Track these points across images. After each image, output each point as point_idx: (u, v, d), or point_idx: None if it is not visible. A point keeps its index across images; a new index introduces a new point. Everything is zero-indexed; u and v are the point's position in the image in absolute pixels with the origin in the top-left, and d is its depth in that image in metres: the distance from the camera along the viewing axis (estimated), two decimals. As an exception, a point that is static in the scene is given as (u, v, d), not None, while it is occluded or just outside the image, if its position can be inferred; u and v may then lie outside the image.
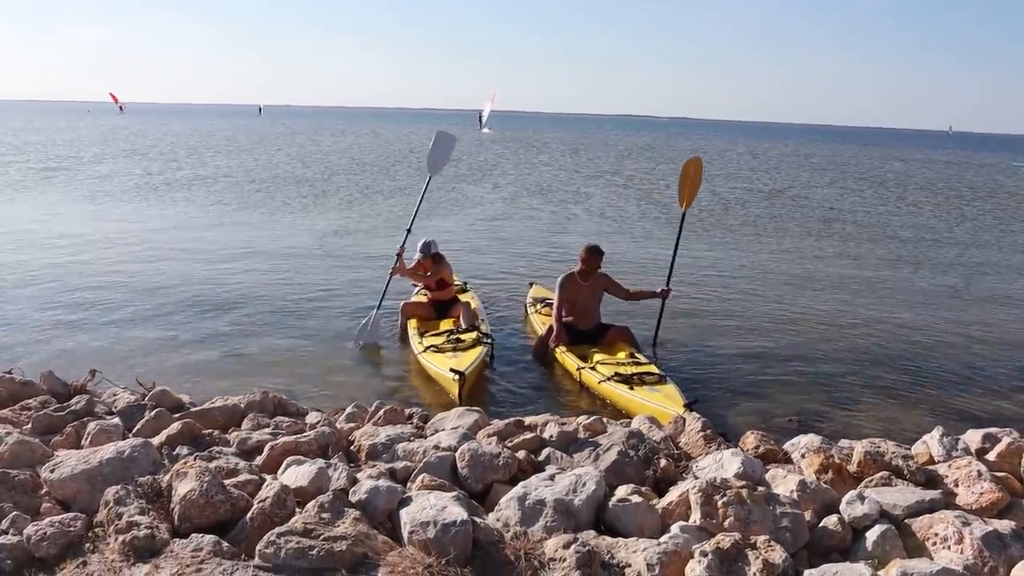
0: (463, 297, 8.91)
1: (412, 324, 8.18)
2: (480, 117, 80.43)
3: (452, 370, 6.47)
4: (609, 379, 6.64)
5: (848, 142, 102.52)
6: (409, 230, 8.75)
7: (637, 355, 7.24)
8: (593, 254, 7.65)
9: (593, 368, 6.94)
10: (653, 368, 6.83)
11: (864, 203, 24.29)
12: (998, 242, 17.26)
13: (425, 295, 8.84)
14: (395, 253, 8.54)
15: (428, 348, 7.27)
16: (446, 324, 8.11)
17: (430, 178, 9.37)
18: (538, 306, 8.98)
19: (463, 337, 7.44)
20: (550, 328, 7.67)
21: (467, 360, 6.83)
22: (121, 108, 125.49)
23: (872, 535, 3.44)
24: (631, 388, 6.44)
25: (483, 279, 11.28)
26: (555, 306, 7.69)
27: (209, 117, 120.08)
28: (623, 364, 6.93)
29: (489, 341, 7.41)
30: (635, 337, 7.67)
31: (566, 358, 7.35)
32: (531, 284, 9.99)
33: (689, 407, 5.87)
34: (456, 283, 9.10)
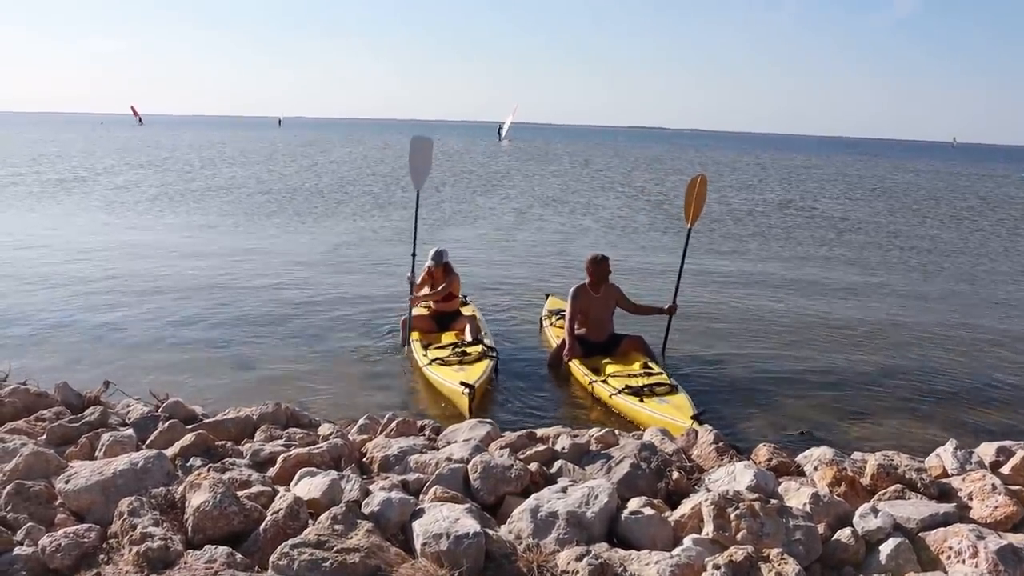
0: (464, 310, 8.85)
1: (414, 337, 8.13)
2: (499, 129, 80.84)
3: (462, 383, 6.46)
4: (620, 392, 6.64)
5: (857, 154, 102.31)
6: (414, 254, 8.52)
7: (650, 364, 7.24)
8: (599, 264, 7.66)
9: (605, 381, 6.94)
10: (664, 378, 6.83)
11: (875, 215, 24.21)
12: (1010, 254, 17.17)
13: (427, 307, 8.74)
14: (407, 279, 8.45)
15: (434, 361, 7.26)
16: (448, 337, 8.07)
17: (418, 193, 8.95)
18: (553, 318, 8.98)
19: (468, 350, 7.43)
20: (563, 341, 7.68)
21: (475, 373, 6.84)
22: (140, 120, 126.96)
23: (886, 549, 3.43)
24: (641, 401, 6.45)
25: (494, 290, 11.31)
26: (567, 318, 7.68)
27: (228, 128, 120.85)
28: (634, 376, 6.93)
29: (494, 355, 7.41)
30: (648, 345, 7.67)
31: (579, 372, 7.35)
32: (547, 296, 9.98)
33: (697, 419, 5.89)
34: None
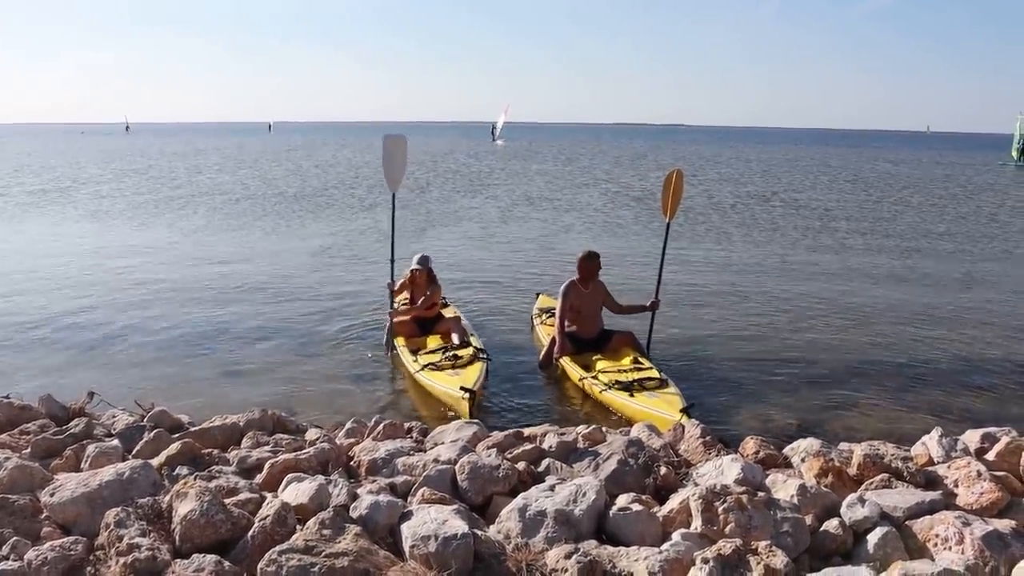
0: (446, 312, 8.67)
1: (400, 343, 7.98)
2: (493, 129, 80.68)
3: (462, 388, 6.39)
4: (610, 387, 6.68)
5: (838, 145, 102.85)
6: (392, 259, 8.38)
7: (641, 359, 7.29)
8: (590, 260, 7.70)
9: (595, 377, 6.97)
10: (654, 372, 6.89)
11: (859, 205, 24.34)
12: (993, 240, 17.29)
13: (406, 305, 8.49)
14: (387, 286, 8.34)
15: (426, 366, 7.17)
16: (434, 340, 7.96)
17: (394, 196, 8.50)
18: (543, 317, 9.00)
19: (460, 353, 7.35)
20: (553, 339, 7.71)
21: (471, 377, 6.79)
22: (127, 128, 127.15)
23: (873, 538, 3.45)
24: (631, 395, 6.50)
25: (482, 290, 11.31)
26: (558, 315, 7.70)
27: (217, 135, 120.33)
28: (624, 371, 6.99)
29: (485, 357, 7.33)
30: (639, 340, 7.71)
31: (569, 368, 7.38)
32: (537, 295, 9.99)
33: (686, 412, 5.94)
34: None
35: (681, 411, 5.97)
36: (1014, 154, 51.38)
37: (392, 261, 8.38)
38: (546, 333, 8.37)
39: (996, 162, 55.29)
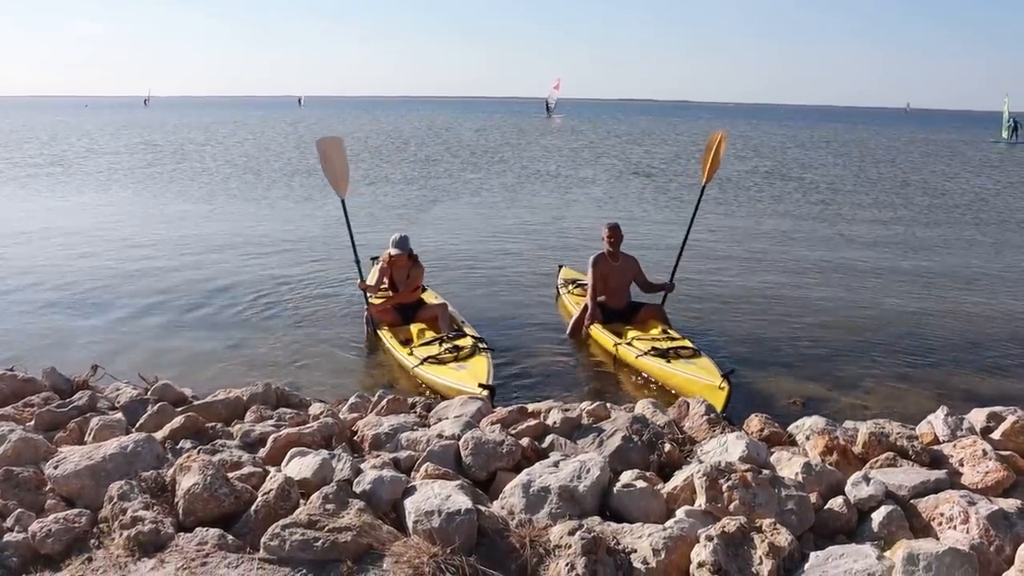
0: (426, 297, 8.30)
1: (385, 334, 7.55)
2: (547, 105, 80.00)
3: (481, 385, 5.96)
4: (646, 354, 6.79)
5: (828, 123, 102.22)
6: (357, 260, 7.90)
7: (670, 331, 7.40)
8: (617, 229, 7.85)
9: (630, 344, 7.07)
10: (687, 343, 7.00)
11: (865, 184, 24.17)
12: (999, 219, 17.18)
13: (384, 296, 8.11)
14: (358, 287, 7.94)
15: (426, 360, 6.68)
16: (417, 328, 7.53)
17: (343, 201, 7.95)
18: (569, 287, 9.11)
19: (460, 344, 6.89)
20: (585, 307, 7.83)
21: (482, 370, 6.35)
22: (145, 101, 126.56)
23: (878, 516, 3.43)
24: (668, 362, 6.59)
25: (496, 261, 11.42)
26: (589, 285, 7.85)
27: (242, 109, 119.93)
28: (658, 339, 7.09)
29: (486, 347, 6.86)
30: (666, 314, 7.83)
31: (602, 335, 7.50)
32: (560, 267, 10.07)
33: (727, 377, 6.04)
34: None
35: (723, 376, 6.08)
36: (1004, 133, 52.63)
37: (357, 263, 7.92)
38: (574, 302, 8.50)
39: (988, 140, 55.43)
